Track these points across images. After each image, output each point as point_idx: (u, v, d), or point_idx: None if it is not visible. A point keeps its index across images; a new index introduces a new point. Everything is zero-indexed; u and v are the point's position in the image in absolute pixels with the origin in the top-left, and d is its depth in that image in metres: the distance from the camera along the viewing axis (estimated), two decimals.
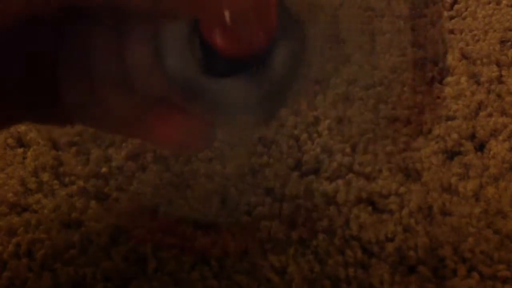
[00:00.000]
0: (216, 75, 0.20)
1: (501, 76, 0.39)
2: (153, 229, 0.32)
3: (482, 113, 0.37)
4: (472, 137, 0.36)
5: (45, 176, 0.34)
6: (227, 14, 0.18)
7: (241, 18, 0.18)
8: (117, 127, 0.24)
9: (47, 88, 0.23)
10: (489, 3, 0.43)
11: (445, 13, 0.43)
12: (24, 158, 0.36)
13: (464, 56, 0.40)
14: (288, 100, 0.23)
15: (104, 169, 0.35)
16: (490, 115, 0.37)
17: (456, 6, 0.43)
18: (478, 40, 0.41)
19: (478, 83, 0.39)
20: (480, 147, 0.35)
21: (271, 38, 0.19)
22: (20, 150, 0.36)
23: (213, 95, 0.20)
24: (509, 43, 0.41)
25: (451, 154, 0.35)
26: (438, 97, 0.38)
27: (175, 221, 0.32)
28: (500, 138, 0.35)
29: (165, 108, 0.22)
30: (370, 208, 0.33)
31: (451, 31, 0.42)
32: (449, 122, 0.36)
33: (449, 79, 0.39)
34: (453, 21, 0.43)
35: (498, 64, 0.39)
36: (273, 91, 0.21)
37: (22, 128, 0.37)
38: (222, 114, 0.21)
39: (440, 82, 0.39)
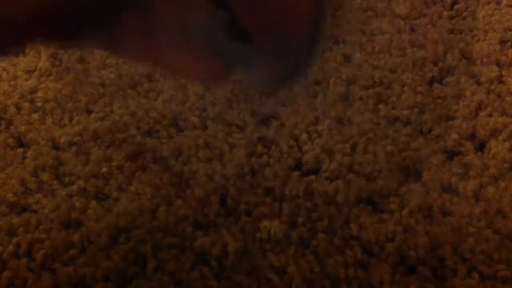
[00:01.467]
0: (235, 38, 0.21)
1: (501, 76, 0.39)
2: (153, 229, 0.32)
3: (482, 113, 0.37)
4: (472, 137, 0.36)
5: (45, 176, 0.34)
6: None
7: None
8: (134, 50, 0.25)
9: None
10: (489, 3, 0.43)
11: (445, 13, 0.43)
12: (24, 158, 0.36)
13: (464, 56, 0.40)
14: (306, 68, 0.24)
15: (104, 169, 0.35)
16: (490, 115, 0.37)
17: (456, 6, 0.43)
18: (478, 40, 0.41)
19: (478, 83, 0.39)
20: (480, 147, 0.35)
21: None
22: (20, 150, 0.36)
23: (234, 53, 0.22)
24: (509, 43, 0.41)
25: (451, 154, 0.35)
26: (438, 97, 0.38)
27: (174, 221, 0.32)
28: (500, 138, 0.35)
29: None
30: (370, 208, 0.33)
31: (451, 31, 0.42)
32: (449, 122, 0.36)
33: (449, 79, 0.39)
34: (453, 21, 0.43)
35: (498, 64, 0.39)
36: (292, 55, 0.22)
37: (22, 128, 0.37)
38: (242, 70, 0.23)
39: (440, 82, 0.39)
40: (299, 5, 0.20)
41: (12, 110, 0.38)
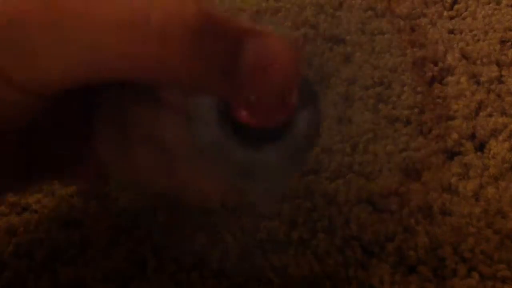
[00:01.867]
0: (243, 143, 0.22)
1: (501, 76, 0.39)
2: (153, 229, 0.32)
3: (482, 113, 0.37)
4: (472, 137, 0.36)
5: None
6: (252, 97, 0.20)
7: (265, 98, 0.20)
8: (145, 179, 0.25)
9: (75, 146, 0.24)
10: (489, 3, 0.43)
11: (445, 13, 0.43)
12: None
13: (464, 56, 0.40)
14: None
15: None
16: (490, 115, 0.37)
17: (456, 6, 0.43)
18: (478, 40, 0.41)
19: (478, 83, 0.39)
20: (480, 147, 0.35)
21: (292, 111, 0.21)
22: None
23: (241, 161, 0.22)
24: (509, 43, 0.41)
25: (451, 154, 0.35)
26: (438, 97, 0.38)
27: (174, 222, 0.32)
28: (500, 138, 0.35)
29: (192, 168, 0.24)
30: (370, 208, 0.33)
31: (451, 31, 0.42)
32: (449, 122, 0.36)
33: (449, 79, 0.39)
34: (453, 21, 0.43)
35: (498, 64, 0.40)
36: (296, 157, 0.23)
37: None
38: (249, 180, 0.23)
39: (440, 82, 0.39)
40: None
41: None
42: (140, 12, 0.18)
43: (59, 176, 0.28)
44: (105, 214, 0.32)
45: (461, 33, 0.42)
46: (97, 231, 0.32)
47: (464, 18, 0.43)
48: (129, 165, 0.24)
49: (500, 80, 0.39)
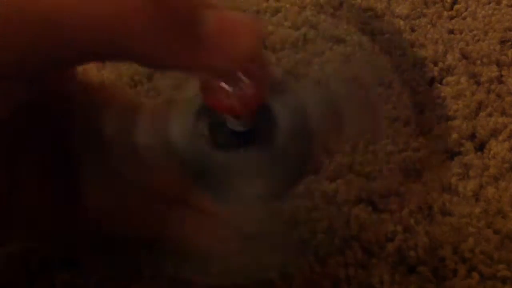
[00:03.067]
0: (223, 148, 0.22)
1: (501, 76, 0.39)
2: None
3: (482, 113, 0.37)
4: (472, 137, 0.36)
5: None
6: (218, 70, 0.19)
7: (234, 80, 0.20)
8: (136, 226, 0.25)
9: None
10: (489, 3, 0.43)
11: (445, 13, 0.43)
12: None
13: (464, 56, 0.40)
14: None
15: None
16: (490, 115, 0.37)
17: (456, 6, 0.43)
18: (478, 40, 0.41)
19: (478, 83, 0.39)
20: (480, 147, 0.35)
21: (263, 99, 0.21)
22: None
23: (222, 167, 0.22)
24: (509, 43, 0.41)
25: (451, 154, 0.35)
26: (438, 97, 0.38)
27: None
28: (500, 138, 0.35)
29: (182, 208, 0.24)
30: (370, 208, 0.33)
31: (451, 31, 0.42)
32: (449, 122, 0.36)
33: (449, 79, 0.39)
34: (453, 21, 0.43)
35: (498, 64, 0.39)
36: (281, 158, 0.22)
37: None
38: (231, 188, 0.23)
39: (440, 82, 0.39)
40: None
41: None
42: None
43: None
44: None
45: (461, 33, 0.42)
46: (92, 239, 0.31)
47: (464, 18, 0.43)
48: (119, 211, 0.24)
49: (500, 80, 0.39)
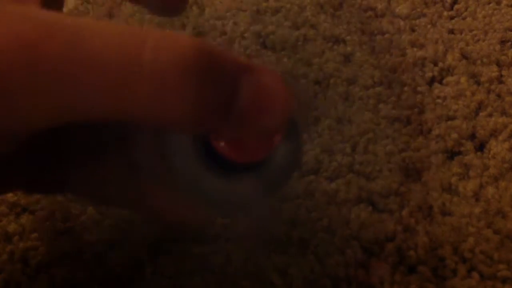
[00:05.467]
0: (218, 174, 0.22)
1: (501, 76, 0.39)
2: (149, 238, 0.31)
3: (482, 113, 0.37)
4: (472, 137, 0.36)
5: None
6: (242, 134, 0.20)
7: (254, 136, 0.20)
8: (117, 196, 0.25)
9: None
10: (489, 3, 0.43)
11: (445, 13, 0.43)
12: None
13: (464, 56, 0.40)
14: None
15: None
16: (490, 115, 0.37)
17: (456, 6, 0.43)
18: (478, 40, 0.41)
19: (478, 83, 0.39)
20: (480, 147, 0.35)
21: (274, 148, 0.21)
22: None
23: (217, 192, 0.22)
24: (509, 43, 0.41)
25: (451, 154, 0.35)
26: (438, 97, 0.38)
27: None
28: (500, 138, 0.35)
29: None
30: (370, 208, 0.33)
31: (451, 31, 0.42)
32: (449, 122, 0.36)
33: (449, 79, 0.39)
34: (453, 21, 0.43)
35: (498, 64, 0.39)
36: (272, 189, 0.23)
37: None
38: (225, 211, 0.23)
39: (440, 82, 0.39)
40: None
41: None
42: (131, 51, 0.17)
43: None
44: (99, 224, 0.32)
45: (461, 33, 0.42)
46: (90, 242, 0.31)
47: (464, 18, 0.43)
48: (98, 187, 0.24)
49: (500, 80, 0.39)
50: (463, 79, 0.39)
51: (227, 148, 0.20)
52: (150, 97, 0.17)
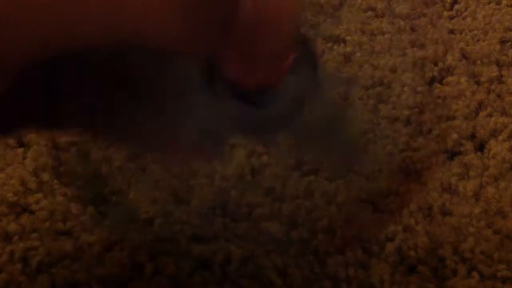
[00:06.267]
0: (221, 96, 0.21)
1: (501, 76, 0.39)
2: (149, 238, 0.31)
3: (482, 113, 0.37)
4: (472, 137, 0.36)
5: (45, 176, 0.34)
6: (250, 52, 0.19)
7: (263, 53, 0.19)
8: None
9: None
10: (489, 3, 0.43)
11: (445, 13, 0.43)
12: (24, 158, 0.36)
13: (464, 56, 0.40)
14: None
15: (104, 170, 0.35)
16: (490, 115, 0.37)
17: (456, 6, 0.43)
18: (478, 40, 0.41)
19: (478, 83, 0.39)
20: (480, 147, 0.35)
21: (283, 77, 0.20)
22: (20, 150, 0.36)
23: (220, 112, 0.21)
24: (509, 43, 0.41)
25: (451, 154, 0.35)
26: (438, 97, 0.38)
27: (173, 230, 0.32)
28: (500, 138, 0.35)
29: None
30: (370, 208, 0.33)
31: (451, 31, 0.42)
32: (449, 122, 0.36)
33: (449, 79, 0.39)
34: (453, 21, 0.43)
35: (498, 64, 0.39)
36: (273, 121, 0.22)
37: None
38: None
39: (440, 82, 0.39)
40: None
41: None
42: None
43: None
44: (99, 224, 0.32)
45: (461, 33, 0.42)
46: (90, 242, 0.31)
47: (464, 18, 0.43)
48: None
49: (500, 80, 0.39)
50: (463, 79, 0.39)
51: (241, 74, 0.19)
52: (136, 21, 0.17)
